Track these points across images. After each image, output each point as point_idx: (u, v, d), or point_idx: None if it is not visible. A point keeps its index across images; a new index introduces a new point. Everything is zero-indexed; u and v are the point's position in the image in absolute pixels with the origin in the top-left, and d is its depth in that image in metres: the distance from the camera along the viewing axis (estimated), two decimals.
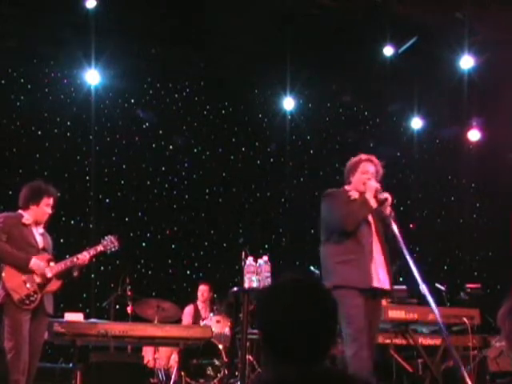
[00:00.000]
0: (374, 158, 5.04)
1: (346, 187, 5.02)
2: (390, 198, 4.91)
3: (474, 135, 10.18)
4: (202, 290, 8.38)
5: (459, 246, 10.33)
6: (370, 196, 4.85)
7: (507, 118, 9.12)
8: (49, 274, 5.37)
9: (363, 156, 5.05)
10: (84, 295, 8.70)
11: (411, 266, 4.63)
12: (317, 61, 9.09)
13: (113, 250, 5.74)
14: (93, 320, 6.52)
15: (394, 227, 4.80)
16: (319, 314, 2.04)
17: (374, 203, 4.84)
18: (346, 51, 8.83)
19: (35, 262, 5.32)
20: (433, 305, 4.59)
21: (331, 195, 4.95)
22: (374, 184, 4.89)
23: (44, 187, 5.52)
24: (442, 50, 8.89)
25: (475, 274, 10.07)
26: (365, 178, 4.93)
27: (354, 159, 5.06)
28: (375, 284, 4.73)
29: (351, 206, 4.80)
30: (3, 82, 8.86)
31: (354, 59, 9.05)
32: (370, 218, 4.90)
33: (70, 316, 6.33)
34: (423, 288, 4.58)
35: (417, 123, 10.30)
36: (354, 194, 4.93)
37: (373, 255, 4.76)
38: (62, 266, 5.44)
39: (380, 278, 4.77)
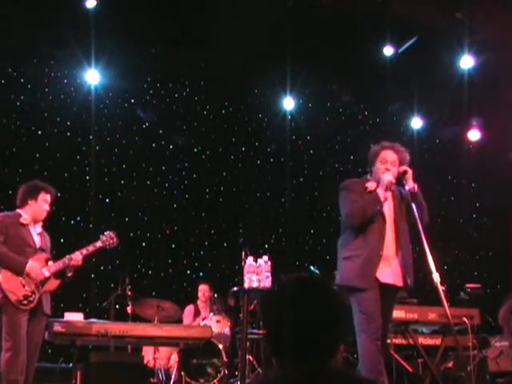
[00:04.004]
0: (397, 145, 4.77)
1: (368, 176, 4.79)
2: (410, 171, 4.67)
3: (474, 135, 10.15)
4: (203, 289, 8.38)
5: (459, 246, 10.31)
6: (381, 191, 4.60)
7: (507, 117, 9.11)
8: (46, 274, 5.37)
9: (385, 143, 4.78)
10: (84, 295, 8.70)
11: (426, 252, 4.49)
12: (317, 61, 9.08)
13: (112, 246, 5.75)
14: (93, 320, 6.50)
15: (414, 206, 4.59)
16: (325, 314, 2.02)
17: (384, 197, 4.61)
18: (346, 51, 8.82)
19: (31, 266, 5.29)
20: (442, 295, 4.48)
21: (346, 188, 4.73)
22: (387, 177, 4.61)
23: (41, 184, 5.58)
24: (442, 49, 8.88)
25: (475, 273, 10.07)
26: (383, 169, 4.67)
27: (375, 147, 4.78)
28: (383, 280, 4.55)
29: (362, 200, 4.58)
30: (3, 81, 8.86)
31: (354, 59, 9.05)
32: (390, 208, 4.68)
33: (69, 316, 6.32)
34: (436, 277, 4.48)
35: (417, 123, 10.29)
36: (371, 186, 4.67)
37: (382, 251, 4.55)
38: (59, 265, 5.45)
39: (390, 274, 4.58)
